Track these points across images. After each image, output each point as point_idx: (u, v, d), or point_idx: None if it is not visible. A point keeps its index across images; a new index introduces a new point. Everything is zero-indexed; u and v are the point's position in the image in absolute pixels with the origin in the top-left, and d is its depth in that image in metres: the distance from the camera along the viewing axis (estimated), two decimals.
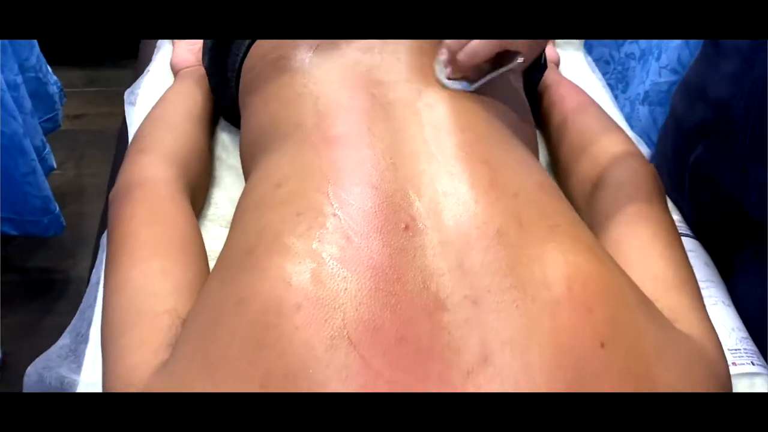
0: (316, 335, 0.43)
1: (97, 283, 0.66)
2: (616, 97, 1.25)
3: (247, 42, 0.74)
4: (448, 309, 0.45)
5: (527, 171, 0.57)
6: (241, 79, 0.72)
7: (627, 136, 0.74)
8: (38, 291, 1.39)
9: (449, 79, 0.61)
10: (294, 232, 0.48)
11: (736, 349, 0.64)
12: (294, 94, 0.62)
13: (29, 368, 0.59)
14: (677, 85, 0.84)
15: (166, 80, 0.87)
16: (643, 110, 1.15)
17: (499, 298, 0.45)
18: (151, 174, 0.65)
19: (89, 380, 0.58)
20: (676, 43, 1.03)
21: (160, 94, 0.80)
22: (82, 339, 0.61)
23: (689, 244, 0.74)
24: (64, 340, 0.62)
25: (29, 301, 1.36)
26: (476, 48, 0.59)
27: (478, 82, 0.61)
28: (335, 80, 0.62)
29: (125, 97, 0.87)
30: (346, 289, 0.45)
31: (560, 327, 0.44)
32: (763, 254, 0.68)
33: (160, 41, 0.96)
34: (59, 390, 0.57)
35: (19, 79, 1.27)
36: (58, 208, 1.32)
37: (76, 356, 0.60)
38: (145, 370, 0.49)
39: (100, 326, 0.56)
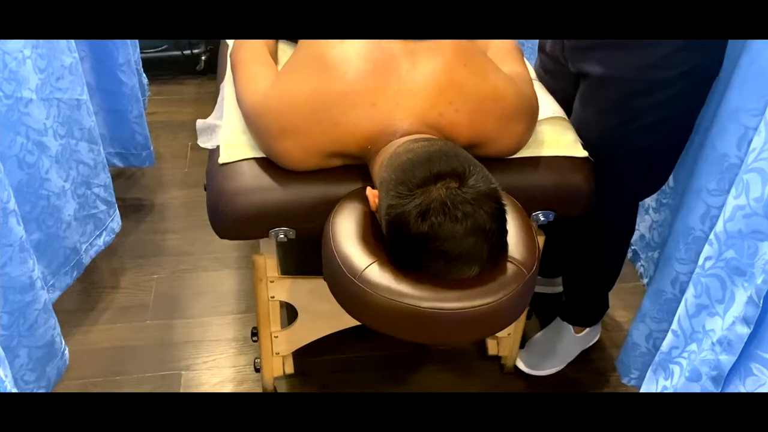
0: (343, 57, 1.05)
1: (223, 99, 1.26)
2: None
3: None
4: (401, 63, 1.07)
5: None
6: None
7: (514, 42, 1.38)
8: (134, 211, 1.97)
9: None
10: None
11: (553, 115, 1.24)
12: None
13: (198, 121, 1.19)
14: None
15: None
16: None
17: (427, 54, 1.07)
18: (253, 42, 1.28)
19: (226, 123, 1.17)
20: None
21: None
22: (219, 116, 1.21)
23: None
24: (211, 118, 1.22)
25: (130, 216, 1.94)
26: None
27: None
28: None
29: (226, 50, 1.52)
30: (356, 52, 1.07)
31: (447, 60, 1.06)
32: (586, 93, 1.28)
33: None
34: (213, 127, 1.17)
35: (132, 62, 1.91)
36: (152, 146, 1.93)
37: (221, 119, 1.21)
38: (266, 86, 1.10)
39: (236, 93, 1.17)
